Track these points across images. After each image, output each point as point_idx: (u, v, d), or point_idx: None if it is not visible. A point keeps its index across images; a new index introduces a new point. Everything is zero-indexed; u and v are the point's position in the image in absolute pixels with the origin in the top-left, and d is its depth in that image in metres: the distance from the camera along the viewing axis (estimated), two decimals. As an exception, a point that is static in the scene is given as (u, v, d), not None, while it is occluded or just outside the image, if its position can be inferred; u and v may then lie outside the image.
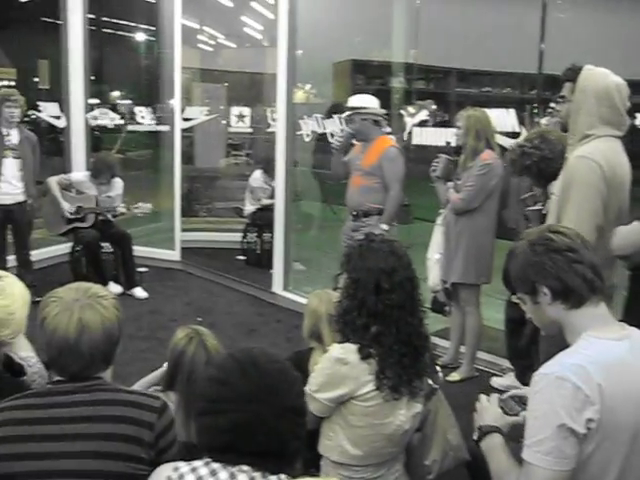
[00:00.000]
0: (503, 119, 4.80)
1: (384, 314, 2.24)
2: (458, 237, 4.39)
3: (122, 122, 7.40)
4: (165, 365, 2.66)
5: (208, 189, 8.84)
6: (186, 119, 7.23)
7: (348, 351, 2.25)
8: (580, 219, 2.62)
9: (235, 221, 7.80)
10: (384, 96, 6.27)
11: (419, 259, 3.82)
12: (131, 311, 5.47)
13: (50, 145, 8.44)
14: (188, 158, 8.21)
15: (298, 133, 5.95)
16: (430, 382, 2.43)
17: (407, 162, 4.82)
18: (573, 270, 1.83)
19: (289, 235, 6.09)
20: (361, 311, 2.26)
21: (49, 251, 6.77)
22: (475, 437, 2.03)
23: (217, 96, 8.78)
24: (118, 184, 6.29)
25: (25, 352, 2.29)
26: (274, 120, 6.27)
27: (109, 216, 6.14)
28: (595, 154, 2.68)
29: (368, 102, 4.82)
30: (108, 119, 7.35)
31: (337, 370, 2.25)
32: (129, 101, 9.01)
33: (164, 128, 7.42)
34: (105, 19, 9.91)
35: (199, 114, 7.48)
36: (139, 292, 6.16)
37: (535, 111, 5.27)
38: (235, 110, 7.85)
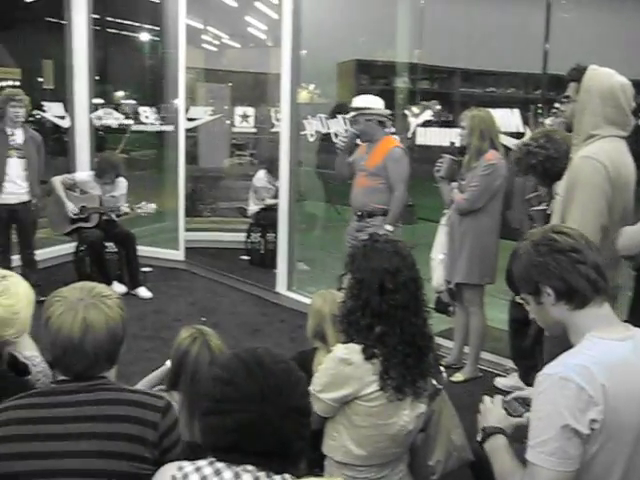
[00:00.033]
0: (507, 119, 4.79)
1: (388, 314, 2.24)
2: (462, 237, 4.38)
3: (126, 122, 7.41)
4: (167, 363, 2.67)
5: (212, 189, 8.85)
6: (190, 119, 7.24)
7: (352, 351, 2.25)
8: (585, 219, 2.61)
9: (239, 221, 7.81)
10: (388, 96, 6.28)
11: (423, 259, 3.81)
12: (135, 311, 5.48)
13: (54, 145, 8.44)
14: (192, 158, 8.22)
15: (302, 133, 5.95)
16: (434, 382, 2.42)
17: (411, 162, 4.82)
18: (577, 270, 1.83)
19: (293, 235, 6.09)
20: (365, 311, 2.26)
21: (53, 251, 6.78)
22: (479, 438, 2.03)
23: (221, 96, 8.79)
24: (122, 184, 6.30)
25: (29, 351, 2.29)
26: (278, 120, 6.27)
27: (113, 216, 6.15)
28: (600, 154, 2.67)
29: (372, 103, 4.82)
30: (112, 119, 7.36)
31: (341, 370, 2.25)
32: (133, 101, 9.01)
33: (168, 128, 7.43)
34: (109, 19, 9.91)
35: (203, 114, 7.50)
36: (143, 292, 6.17)
37: (539, 111, 5.26)
38: (239, 110, 7.85)
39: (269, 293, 6.20)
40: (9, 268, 4.68)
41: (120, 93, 10.48)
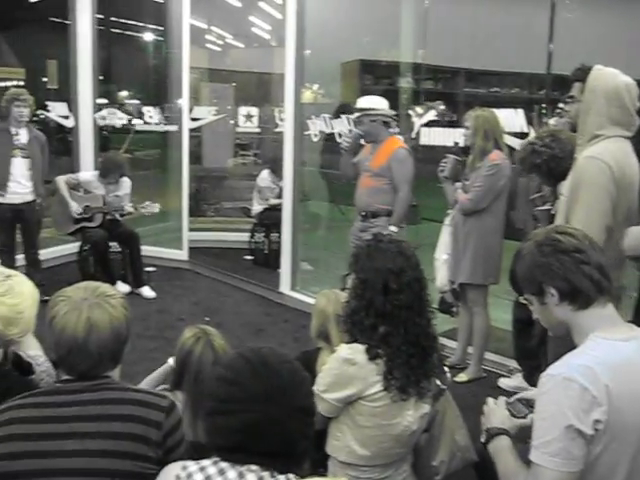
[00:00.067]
0: (511, 119, 4.78)
1: (392, 314, 2.24)
2: (466, 237, 4.38)
3: (130, 122, 7.42)
4: (169, 360, 2.67)
5: (216, 189, 8.85)
6: (194, 119, 7.24)
7: (356, 351, 2.25)
8: (589, 220, 2.61)
9: (243, 221, 7.81)
10: (392, 96, 6.26)
11: (427, 259, 3.81)
12: (139, 310, 5.49)
13: (58, 145, 8.46)
14: (196, 158, 8.23)
15: (306, 133, 5.95)
16: (438, 383, 2.42)
17: (415, 162, 4.81)
18: (580, 271, 1.82)
19: (297, 235, 6.09)
20: (369, 311, 2.26)
21: (57, 250, 6.79)
22: (483, 439, 2.03)
23: (225, 96, 8.79)
24: (126, 183, 6.30)
25: (33, 351, 2.30)
26: (282, 120, 6.28)
27: (117, 215, 6.16)
28: (604, 155, 2.67)
29: (377, 103, 4.81)
30: (116, 119, 7.37)
31: (345, 370, 2.25)
32: (137, 101, 9.04)
33: (172, 128, 7.42)
34: (113, 19, 9.93)
35: (207, 114, 7.49)
36: (147, 291, 6.18)
37: (543, 111, 5.25)
38: (243, 110, 7.86)
39: (273, 293, 6.20)
40: (13, 267, 4.67)
41: (124, 93, 10.51)
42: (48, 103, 7.25)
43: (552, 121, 4.52)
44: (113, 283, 5.61)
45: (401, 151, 4.72)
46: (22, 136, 5.61)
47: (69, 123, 7.25)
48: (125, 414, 1.72)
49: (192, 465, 1.49)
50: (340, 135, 5.58)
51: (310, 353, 2.81)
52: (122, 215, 6.20)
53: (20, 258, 5.83)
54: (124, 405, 1.74)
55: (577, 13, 5.93)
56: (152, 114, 7.38)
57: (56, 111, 7.23)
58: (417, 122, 5.52)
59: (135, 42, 10.52)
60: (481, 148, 4.26)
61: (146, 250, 6.51)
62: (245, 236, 7.38)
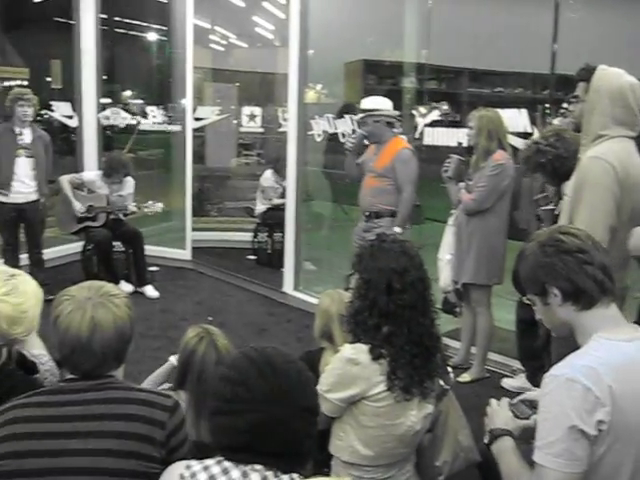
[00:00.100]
0: (515, 119, 4.77)
1: (395, 314, 2.24)
2: (470, 238, 4.38)
3: (134, 122, 7.43)
4: (171, 359, 2.68)
5: (219, 189, 8.85)
6: (197, 119, 7.25)
7: (359, 351, 2.25)
8: (593, 220, 2.60)
9: (246, 221, 7.82)
10: (396, 96, 6.27)
11: (430, 259, 3.81)
12: (142, 310, 5.49)
13: (62, 144, 8.46)
14: (199, 158, 8.22)
15: (309, 133, 5.96)
16: (441, 383, 2.42)
17: (418, 162, 4.81)
18: (584, 271, 1.82)
19: (300, 235, 6.09)
20: (372, 311, 2.26)
21: (61, 250, 6.80)
22: (486, 441, 2.02)
23: (228, 96, 8.79)
24: (130, 183, 6.31)
25: (37, 350, 2.30)
26: (285, 120, 6.27)
27: (120, 215, 6.17)
28: (608, 155, 2.66)
29: (381, 104, 4.82)
30: (120, 119, 7.38)
31: (348, 370, 2.25)
32: (141, 101, 9.03)
33: (176, 128, 7.44)
34: (117, 19, 9.91)
35: (210, 114, 7.51)
36: (150, 291, 6.18)
37: (547, 111, 5.24)
38: (246, 110, 7.86)
39: (276, 293, 6.20)
40: (17, 267, 4.70)
41: (128, 93, 10.50)
42: (52, 103, 7.27)
43: (556, 121, 4.52)
44: (116, 282, 5.62)
45: (405, 152, 4.72)
46: (26, 136, 5.62)
47: (73, 123, 7.27)
48: (129, 413, 1.72)
49: (196, 464, 1.49)
50: (343, 135, 5.59)
51: (313, 353, 2.81)
52: (125, 215, 6.21)
53: (24, 257, 5.85)
54: (128, 404, 1.74)
55: (581, 13, 5.92)
56: (156, 114, 7.39)
57: (60, 111, 7.25)
58: (421, 122, 5.52)
59: (139, 42, 10.51)
60: (485, 148, 4.25)
61: (149, 250, 6.52)
62: (248, 236, 7.39)
